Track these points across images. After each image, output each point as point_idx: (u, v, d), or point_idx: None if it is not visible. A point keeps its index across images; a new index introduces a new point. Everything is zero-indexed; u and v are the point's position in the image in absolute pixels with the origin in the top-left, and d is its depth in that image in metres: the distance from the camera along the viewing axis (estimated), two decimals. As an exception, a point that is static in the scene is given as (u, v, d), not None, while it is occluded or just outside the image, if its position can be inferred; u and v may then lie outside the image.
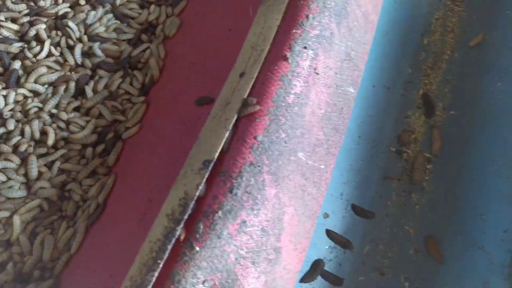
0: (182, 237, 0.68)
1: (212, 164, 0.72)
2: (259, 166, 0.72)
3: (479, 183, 0.96)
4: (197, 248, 0.67)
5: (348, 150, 1.01)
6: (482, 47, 1.13)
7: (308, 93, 0.80)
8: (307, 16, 0.82)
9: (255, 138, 0.73)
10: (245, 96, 0.77)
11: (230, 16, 1.00)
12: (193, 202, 0.70)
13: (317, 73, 0.82)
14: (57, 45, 1.07)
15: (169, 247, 0.67)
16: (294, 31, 0.81)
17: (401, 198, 1.01)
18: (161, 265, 0.67)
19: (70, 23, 1.06)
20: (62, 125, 1.00)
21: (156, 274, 0.66)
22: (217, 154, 0.73)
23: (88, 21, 1.10)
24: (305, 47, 0.80)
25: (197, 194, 0.70)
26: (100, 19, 1.11)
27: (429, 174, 1.02)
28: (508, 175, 0.93)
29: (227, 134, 0.74)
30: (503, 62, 1.06)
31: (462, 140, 1.03)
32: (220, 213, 0.69)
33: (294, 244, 0.79)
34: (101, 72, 1.05)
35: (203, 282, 0.66)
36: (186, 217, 0.69)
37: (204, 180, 0.71)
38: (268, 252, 0.73)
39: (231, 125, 0.75)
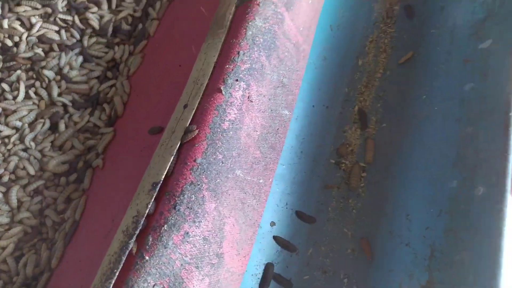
0: (134, 249, 0.80)
1: (159, 185, 0.84)
2: (198, 184, 0.85)
3: (406, 187, 1.06)
4: (147, 257, 0.78)
5: (292, 164, 1.12)
6: (410, 64, 1.23)
7: (243, 118, 0.93)
8: (238, 53, 0.95)
9: (194, 160, 0.86)
10: (187, 125, 0.90)
11: (181, 53, 1.13)
12: (144, 218, 0.82)
13: (251, 101, 0.95)
14: (32, 86, 1.20)
15: (124, 258, 0.79)
16: (227, 66, 0.93)
17: (340, 204, 1.12)
18: (117, 274, 0.78)
19: (46, 71, 1.20)
20: (39, 156, 1.13)
21: (113, 281, 0.78)
22: (163, 177, 0.85)
23: (61, 65, 1.23)
24: (237, 80, 0.93)
25: (147, 212, 0.82)
26: (71, 62, 1.24)
27: (364, 181, 1.13)
28: (428, 178, 1.03)
29: (171, 159, 0.87)
30: (428, 76, 1.17)
31: (392, 149, 1.13)
32: (165, 226, 0.81)
33: (237, 250, 0.91)
34: (71, 109, 1.18)
35: (153, 286, 0.78)
36: (137, 232, 0.81)
37: (153, 199, 0.83)
38: (211, 257, 0.85)
39: (175, 150, 0.87)
